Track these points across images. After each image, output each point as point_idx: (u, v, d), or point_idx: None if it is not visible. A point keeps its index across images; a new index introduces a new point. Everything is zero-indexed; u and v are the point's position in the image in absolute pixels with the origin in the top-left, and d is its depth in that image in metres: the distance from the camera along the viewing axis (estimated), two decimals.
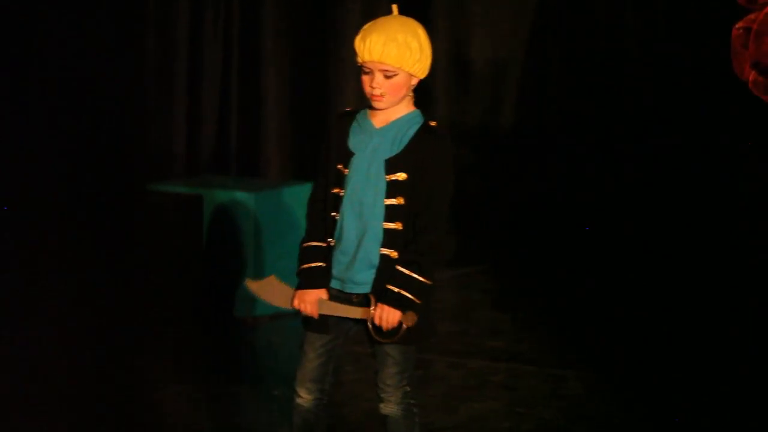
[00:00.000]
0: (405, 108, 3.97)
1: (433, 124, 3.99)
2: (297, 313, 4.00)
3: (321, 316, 3.96)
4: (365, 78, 3.93)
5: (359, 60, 3.91)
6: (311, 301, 3.95)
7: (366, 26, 3.94)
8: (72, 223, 6.53)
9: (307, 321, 4.01)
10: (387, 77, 3.89)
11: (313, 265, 3.97)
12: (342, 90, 8.39)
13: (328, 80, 8.45)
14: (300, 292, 3.97)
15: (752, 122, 6.67)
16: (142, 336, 6.19)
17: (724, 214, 7.50)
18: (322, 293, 3.96)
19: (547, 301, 7.27)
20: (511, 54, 8.61)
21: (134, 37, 7.94)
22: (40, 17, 7.53)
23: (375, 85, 3.89)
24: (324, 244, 3.97)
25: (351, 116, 4.02)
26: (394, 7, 4.00)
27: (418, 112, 4.00)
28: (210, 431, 5.26)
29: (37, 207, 6.72)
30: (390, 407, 4.04)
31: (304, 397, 4.05)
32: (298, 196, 6.80)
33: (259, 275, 6.70)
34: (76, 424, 5.06)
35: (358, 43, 3.90)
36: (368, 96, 3.93)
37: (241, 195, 6.75)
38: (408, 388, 4.05)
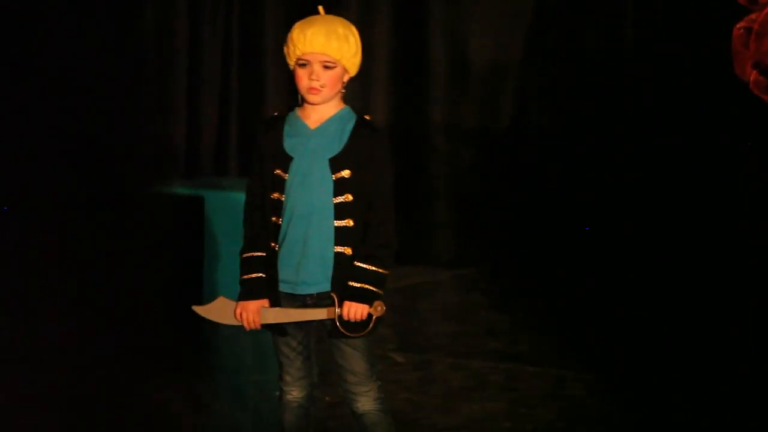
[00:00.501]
0: (337, 105, 3.99)
1: (368, 118, 4.01)
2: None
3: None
4: (302, 72, 3.92)
5: (297, 53, 3.91)
6: (254, 311, 3.95)
7: (300, 23, 3.96)
8: (72, 224, 6.54)
9: (273, 328, 4.01)
10: (326, 68, 3.90)
11: (253, 275, 3.96)
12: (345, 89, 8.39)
13: None
14: (242, 303, 3.97)
15: (752, 122, 6.67)
16: (143, 336, 6.19)
17: (724, 214, 7.50)
18: (264, 303, 3.96)
19: (547, 301, 7.28)
20: (510, 54, 8.61)
21: (134, 37, 7.95)
22: (40, 17, 7.54)
23: (315, 77, 3.89)
24: (264, 254, 3.96)
25: (280, 120, 4.02)
26: (321, 8, 4.02)
27: (349, 108, 4.01)
28: (212, 429, 5.26)
29: (37, 207, 6.73)
30: (367, 404, 4.01)
31: (296, 394, 4.05)
32: None
33: None
34: (76, 423, 5.06)
35: (297, 36, 3.91)
36: (304, 90, 3.93)
37: (242, 196, 6.71)
38: (379, 382, 4.04)
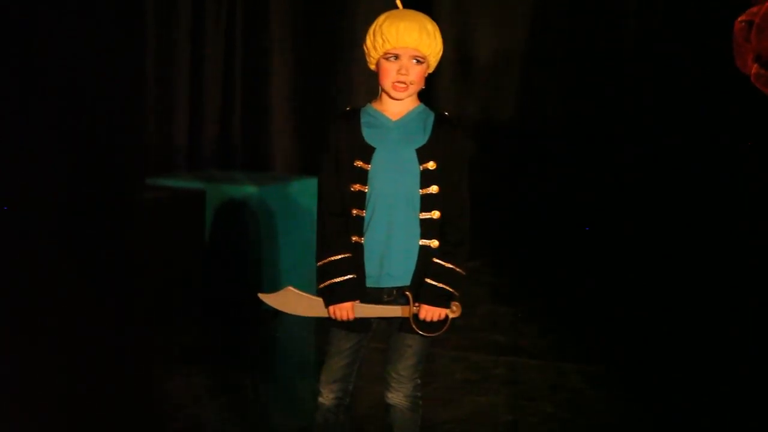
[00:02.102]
0: (415, 101, 3.98)
1: (446, 114, 4.01)
2: (328, 318, 3.97)
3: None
4: (389, 66, 3.88)
5: (386, 46, 3.87)
6: (348, 309, 3.92)
7: (387, 16, 3.90)
8: (70, 219, 6.53)
9: (334, 320, 3.99)
10: (416, 63, 3.88)
11: (344, 278, 3.90)
12: (349, 83, 8.41)
13: (335, 73, 8.46)
14: (335, 306, 3.92)
15: (753, 121, 6.68)
16: (143, 334, 6.18)
17: (724, 214, 7.51)
18: (356, 303, 3.93)
19: (548, 297, 7.28)
20: (511, 53, 8.63)
21: (135, 28, 7.94)
22: (41, 15, 7.54)
23: (404, 72, 3.87)
24: (350, 254, 3.91)
25: (356, 113, 3.98)
26: (399, 2, 4.00)
27: (424, 105, 4.00)
28: (218, 422, 5.26)
29: (36, 202, 6.72)
30: (398, 398, 4.04)
31: (327, 396, 4.04)
32: (304, 190, 6.78)
33: (263, 271, 6.71)
34: (76, 425, 5.06)
35: (388, 29, 3.85)
36: (389, 85, 3.90)
37: (245, 189, 6.70)
38: (419, 381, 4.06)
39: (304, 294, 3.99)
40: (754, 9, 5.30)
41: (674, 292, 7.23)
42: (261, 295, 4.06)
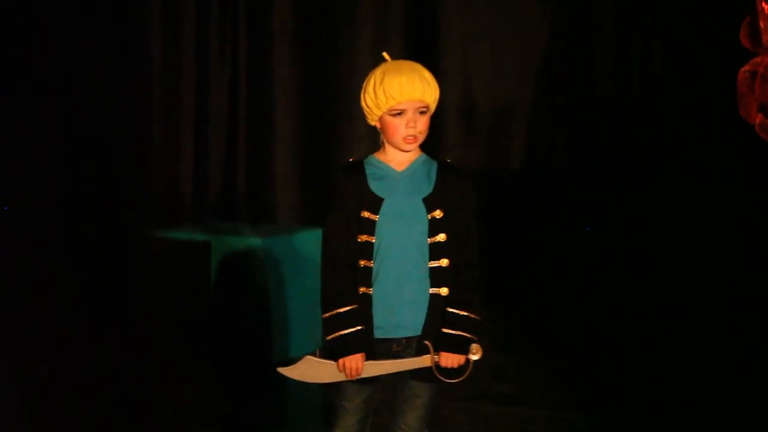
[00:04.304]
0: (417, 151, 3.99)
1: (449, 161, 4.02)
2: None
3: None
4: (396, 121, 3.89)
5: (390, 103, 3.87)
6: (358, 361, 3.89)
7: (383, 72, 3.90)
8: (74, 271, 6.53)
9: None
10: (421, 114, 3.90)
11: (352, 330, 3.88)
12: (354, 132, 8.42)
13: (339, 123, 8.47)
14: (344, 359, 3.90)
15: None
16: (148, 385, 6.17)
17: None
18: (364, 355, 3.91)
19: (553, 344, 7.26)
20: (517, 97, 8.64)
21: (141, 77, 7.97)
22: (41, 61, 7.57)
23: (412, 125, 3.88)
24: (357, 306, 3.90)
25: (360, 164, 3.99)
26: (386, 55, 4.01)
27: (425, 154, 4.01)
28: None
29: (41, 253, 6.73)
30: None
31: None
32: (308, 241, 6.77)
33: (268, 323, 6.69)
34: None
35: (390, 86, 3.85)
36: (399, 140, 3.90)
37: (250, 241, 6.71)
38: (426, 431, 4.05)
39: (324, 361, 3.95)
40: (758, 59, 5.31)
41: (681, 336, 7.21)
42: (281, 369, 4.01)
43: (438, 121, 8.59)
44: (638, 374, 6.59)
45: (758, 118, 5.34)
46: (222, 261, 6.70)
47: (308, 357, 3.96)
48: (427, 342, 3.90)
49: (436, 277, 3.91)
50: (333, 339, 3.90)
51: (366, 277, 3.90)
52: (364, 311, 3.90)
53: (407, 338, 3.93)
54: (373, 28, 8.48)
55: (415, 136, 3.89)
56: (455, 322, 3.90)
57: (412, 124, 3.88)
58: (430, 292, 3.91)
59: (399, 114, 3.88)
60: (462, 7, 8.62)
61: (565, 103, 8.54)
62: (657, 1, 8.30)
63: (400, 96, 3.86)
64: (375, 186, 3.93)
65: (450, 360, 3.90)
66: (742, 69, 5.38)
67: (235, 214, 8.37)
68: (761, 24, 5.27)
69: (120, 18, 7.86)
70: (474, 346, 3.93)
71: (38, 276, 6.52)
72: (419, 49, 8.28)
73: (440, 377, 3.91)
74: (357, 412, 4.00)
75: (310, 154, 8.50)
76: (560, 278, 8.26)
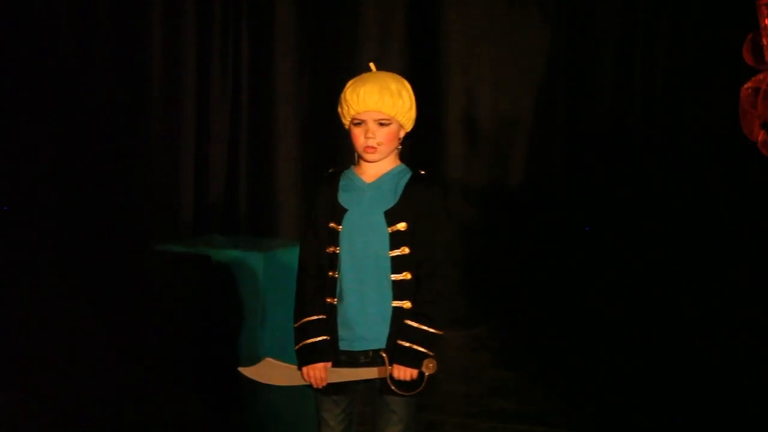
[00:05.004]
0: (392, 162, 4.00)
1: (422, 172, 4.01)
2: (309, 386, 3.97)
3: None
4: (357, 131, 3.94)
5: (351, 113, 3.92)
6: (322, 370, 3.92)
7: (352, 81, 3.96)
8: (74, 285, 6.52)
9: (325, 388, 3.97)
10: (381, 125, 3.92)
11: (317, 339, 3.92)
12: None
13: (341, 136, 8.45)
14: (307, 367, 3.94)
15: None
16: (147, 399, 6.16)
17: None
18: (328, 364, 3.93)
19: (553, 361, 7.25)
20: (521, 114, 8.63)
21: (142, 89, 7.97)
22: (43, 79, 7.58)
23: (371, 135, 3.91)
24: (324, 316, 3.93)
25: (336, 175, 4.03)
26: (372, 65, 4.05)
27: (404, 165, 4.02)
28: None
29: (41, 267, 6.72)
30: None
31: None
32: None
33: (267, 337, 6.67)
34: None
35: (350, 95, 3.91)
36: (361, 149, 3.95)
37: (249, 254, 6.71)
38: None
39: (282, 364, 4.00)
40: (761, 76, 5.31)
41: (688, 352, 7.19)
42: (241, 369, 4.06)
43: (440, 134, 8.66)
44: (641, 391, 6.58)
45: (761, 136, 5.34)
46: (222, 274, 6.69)
47: (268, 359, 4.02)
48: (383, 353, 3.90)
49: (399, 290, 3.91)
50: (299, 348, 3.94)
51: (332, 287, 3.94)
52: (331, 322, 3.93)
53: (374, 350, 3.92)
54: (375, 47, 8.47)
55: (374, 147, 3.92)
56: (409, 334, 3.88)
57: (371, 135, 3.91)
58: (393, 305, 3.91)
59: (359, 124, 3.93)
60: (463, 23, 8.61)
61: (566, 117, 8.53)
62: (659, 18, 8.29)
63: (357, 106, 3.91)
64: (342, 197, 3.97)
65: (402, 372, 3.88)
66: (745, 86, 5.38)
67: (236, 228, 8.36)
68: (764, 41, 5.27)
69: (119, 30, 7.89)
70: (429, 361, 3.89)
71: (36, 286, 6.52)
72: (421, 66, 8.27)
73: (395, 389, 3.89)
74: (339, 423, 4.00)
75: (311, 167, 8.48)
76: (563, 294, 8.24)
